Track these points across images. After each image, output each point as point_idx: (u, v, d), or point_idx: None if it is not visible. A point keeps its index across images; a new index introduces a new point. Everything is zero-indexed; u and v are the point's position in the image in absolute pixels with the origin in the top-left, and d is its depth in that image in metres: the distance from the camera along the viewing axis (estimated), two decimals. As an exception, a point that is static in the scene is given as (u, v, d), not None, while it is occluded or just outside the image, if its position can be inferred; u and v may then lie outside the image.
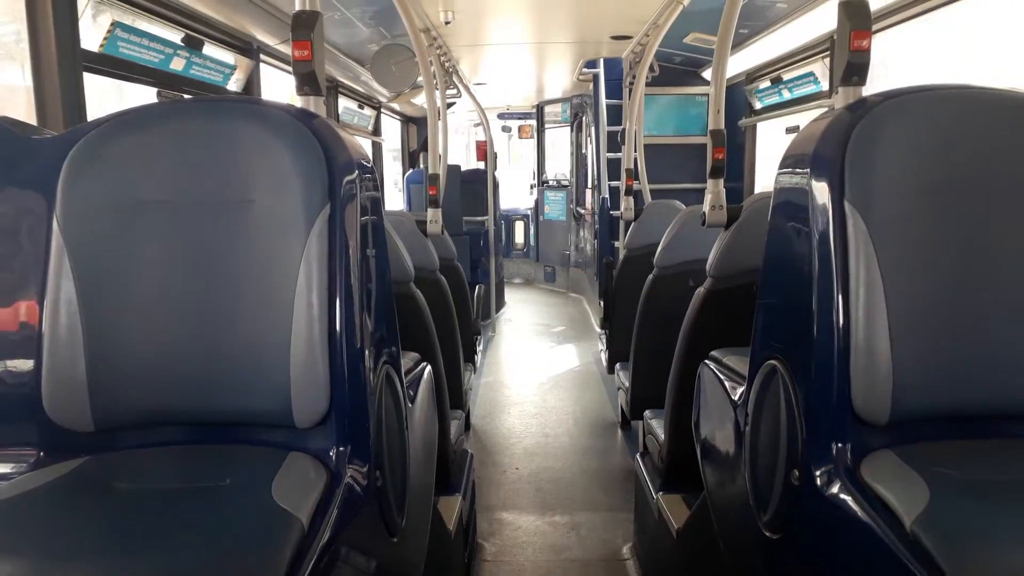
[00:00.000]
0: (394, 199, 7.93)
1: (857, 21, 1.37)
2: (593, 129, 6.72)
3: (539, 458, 3.86)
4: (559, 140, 9.59)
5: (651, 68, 4.64)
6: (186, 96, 2.92)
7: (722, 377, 1.67)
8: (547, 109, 9.39)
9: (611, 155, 5.90)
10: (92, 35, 2.36)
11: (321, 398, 1.23)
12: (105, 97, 2.16)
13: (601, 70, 6.02)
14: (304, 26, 1.46)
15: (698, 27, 4.47)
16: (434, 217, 3.02)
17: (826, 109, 1.43)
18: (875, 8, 2.95)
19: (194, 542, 0.95)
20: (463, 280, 3.84)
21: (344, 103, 5.45)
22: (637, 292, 3.22)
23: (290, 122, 1.30)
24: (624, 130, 5.06)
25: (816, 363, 1.22)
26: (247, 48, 3.46)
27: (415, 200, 6.72)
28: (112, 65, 2.49)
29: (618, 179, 5.26)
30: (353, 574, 1.21)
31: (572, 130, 8.78)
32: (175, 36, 2.88)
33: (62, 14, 2.08)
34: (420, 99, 6.59)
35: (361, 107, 5.99)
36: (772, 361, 1.36)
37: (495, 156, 7.45)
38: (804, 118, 4.16)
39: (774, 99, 4.70)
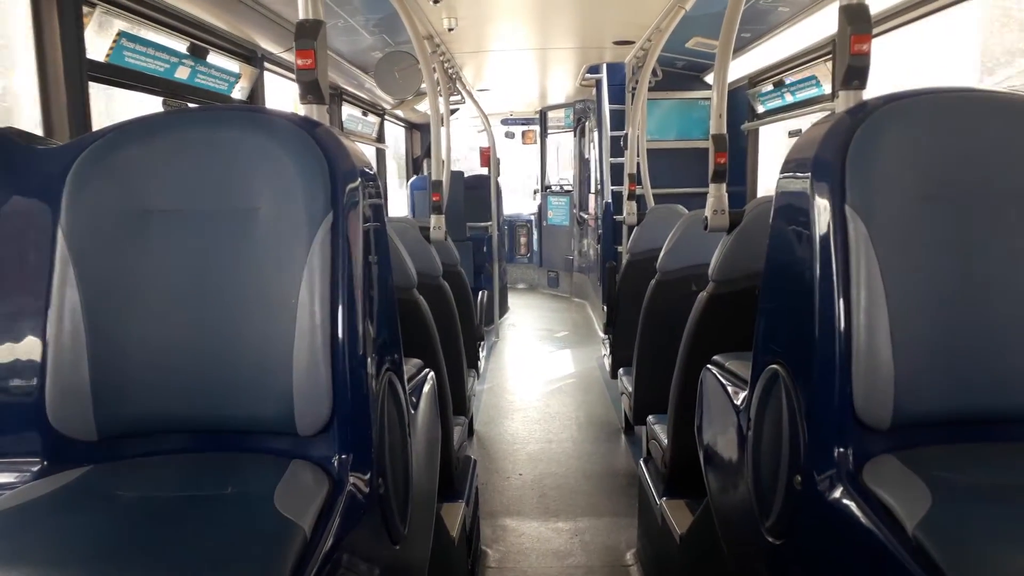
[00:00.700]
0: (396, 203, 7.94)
1: (857, 25, 1.38)
2: (596, 134, 6.73)
3: (542, 464, 3.86)
4: (562, 145, 9.61)
5: (654, 73, 4.66)
6: (191, 105, 2.94)
7: (724, 382, 1.67)
8: (550, 114, 9.41)
9: (614, 160, 5.90)
10: (98, 45, 2.38)
11: (323, 405, 1.23)
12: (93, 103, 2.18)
13: (604, 75, 6.03)
14: (307, 35, 1.47)
15: (700, 31, 4.48)
16: (437, 223, 3.03)
17: (828, 113, 1.44)
18: (875, 12, 2.95)
19: (197, 551, 0.96)
20: (466, 286, 3.85)
21: (348, 110, 5.47)
22: (640, 297, 3.22)
23: (293, 131, 1.30)
24: (627, 135, 5.06)
25: (818, 367, 1.22)
26: (251, 56, 3.48)
27: (419, 206, 6.74)
28: (117, 75, 2.50)
29: (621, 184, 5.26)
30: None
31: (575, 135, 8.79)
32: (180, 45, 2.90)
33: (68, 24, 2.10)
34: (424, 105, 6.62)
35: (365, 114, 6.02)
36: (774, 366, 1.36)
37: (498, 162, 7.46)
38: (806, 122, 4.16)
39: (776, 103, 4.70)
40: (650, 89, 4.79)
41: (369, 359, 1.28)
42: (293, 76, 1.52)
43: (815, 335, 1.22)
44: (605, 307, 4.72)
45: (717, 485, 1.72)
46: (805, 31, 3.83)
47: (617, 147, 5.67)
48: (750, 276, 1.95)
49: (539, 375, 5.72)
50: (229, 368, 1.25)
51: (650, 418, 2.81)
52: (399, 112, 7.08)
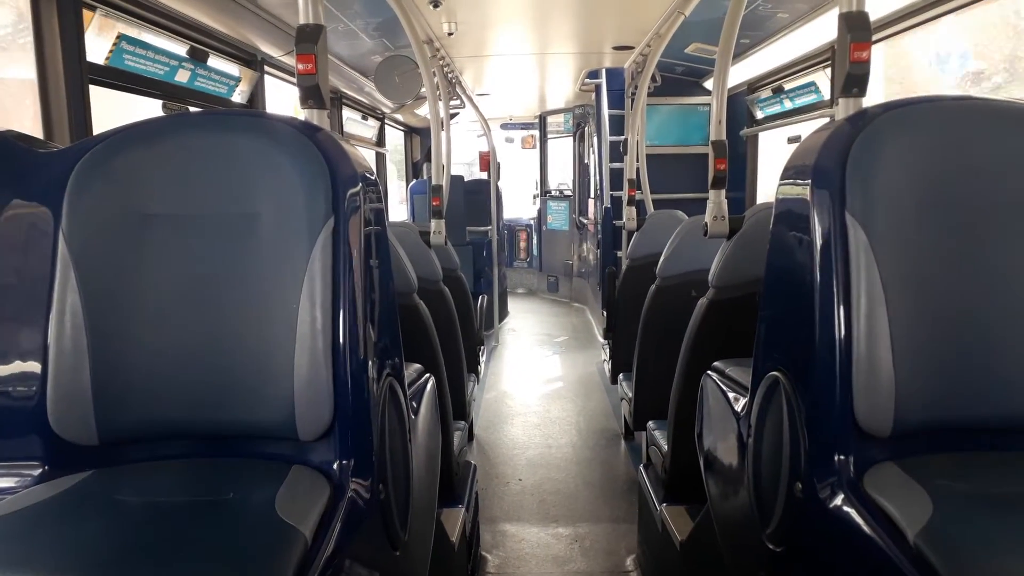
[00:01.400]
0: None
1: (857, 33, 1.38)
2: (595, 139, 6.73)
3: (542, 469, 3.85)
4: (562, 150, 9.62)
5: (653, 78, 4.66)
6: (191, 108, 2.94)
7: (725, 388, 1.67)
8: (550, 119, 9.42)
9: (613, 165, 5.91)
10: (98, 48, 2.38)
11: (324, 410, 1.23)
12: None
13: (603, 80, 6.04)
14: (308, 39, 1.47)
15: (699, 37, 4.49)
16: (437, 228, 3.03)
17: (828, 119, 1.44)
18: (875, 19, 2.96)
19: (197, 556, 0.95)
20: (466, 290, 3.85)
21: (348, 114, 5.48)
22: (640, 302, 3.22)
23: (294, 135, 1.30)
24: (626, 140, 5.07)
25: (818, 375, 1.21)
26: (251, 60, 3.48)
27: (419, 211, 6.74)
28: (118, 78, 2.50)
29: (620, 189, 5.27)
30: None
31: (574, 140, 8.80)
32: (180, 49, 2.90)
33: (68, 27, 2.10)
34: (424, 110, 6.62)
35: (365, 118, 6.02)
36: (774, 373, 1.35)
37: (498, 166, 7.47)
38: (806, 128, 4.17)
39: (775, 109, 4.71)
40: (649, 94, 4.79)
41: (370, 364, 1.27)
42: (293, 80, 1.52)
43: (815, 342, 1.21)
44: (605, 312, 4.72)
45: (717, 492, 1.72)
46: (804, 37, 3.84)
47: (616, 152, 5.68)
48: (750, 282, 1.95)
49: (539, 380, 5.71)
50: (230, 373, 1.24)
51: (650, 424, 2.81)
52: (398, 116, 7.09)
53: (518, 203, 10.48)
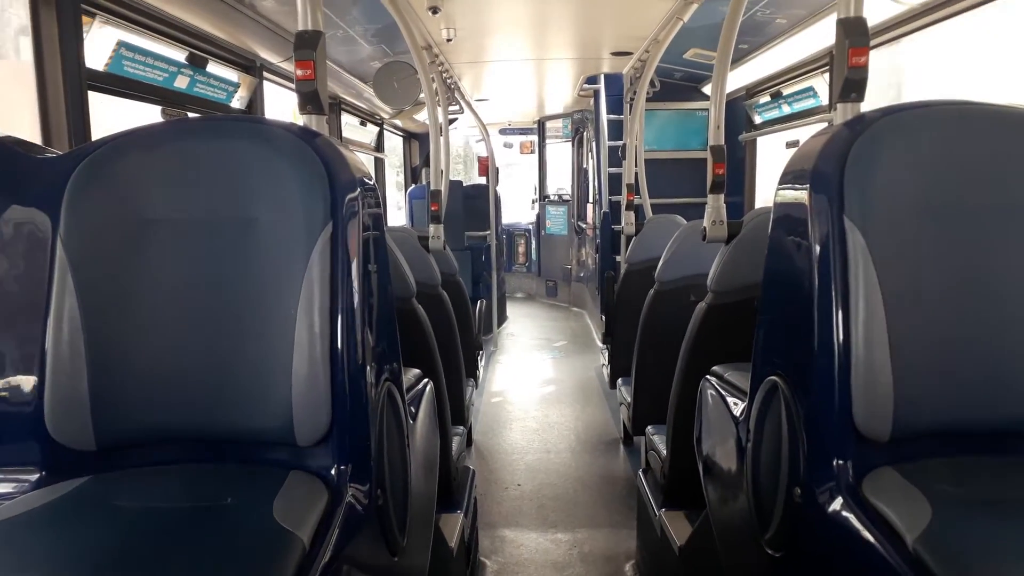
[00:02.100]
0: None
1: (855, 39, 1.39)
2: (594, 144, 6.75)
3: (541, 474, 3.85)
4: (560, 155, 9.63)
5: (651, 83, 4.67)
6: (190, 114, 2.95)
7: (723, 393, 1.67)
8: (548, 124, 9.44)
9: (612, 170, 5.92)
10: (97, 54, 2.38)
11: (322, 416, 1.23)
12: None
13: (602, 86, 6.05)
14: (306, 45, 1.48)
15: (698, 43, 4.51)
16: (436, 232, 3.03)
17: (826, 124, 1.44)
18: (873, 24, 2.97)
19: (195, 562, 0.95)
20: (465, 295, 3.85)
21: (347, 120, 5.48)
22: (639, 306, 3.22)
23: (293, 141, 1.31)
24: (625, 145, 5.08)
25: (817, 379, 1.21)
26: (250, 66, 3.48)
27: (417, 215, 6.74)
28: (117, 83, 2.51)
29: (619, 194, 5.28)
30: None
31: (573, 145, 8.81)
32: (179, 55, 2.90)
33: (67, 33, 2.10)
34: (422, 115, 6.64)
35: (364, 124, 6.03)
36: (773, 377, 1.35)
37: (497, 171, 7.48)
38: (804, 132, 4.17)
39: (774, 113, 4.72)
40: (648, 100, 4.80)
41: (368, 369, 1.27)
42: (292, 85, 1.53)
43: (814, 347, 1.21)
44: (603, 317, 4.72)
45: (716, 496, 1.72)
46: (802, 42, 3.85)
47: (615, 157, 5.69)
48: (748, 287, 1.95)
49: (538, 385, 5.71)
50: (228, 378, 1.24)
51: (649, 428, 2.81)
52: (397, 121, 7.10)
53: (517, 208, 10.50)
